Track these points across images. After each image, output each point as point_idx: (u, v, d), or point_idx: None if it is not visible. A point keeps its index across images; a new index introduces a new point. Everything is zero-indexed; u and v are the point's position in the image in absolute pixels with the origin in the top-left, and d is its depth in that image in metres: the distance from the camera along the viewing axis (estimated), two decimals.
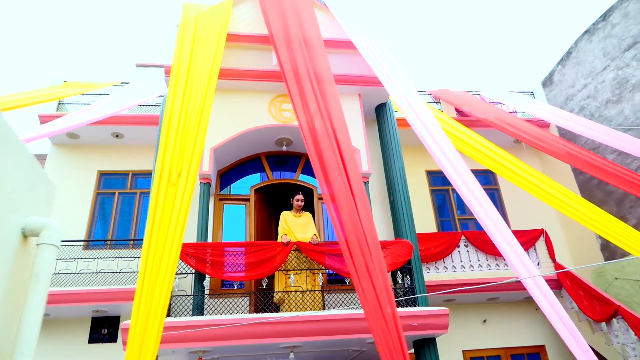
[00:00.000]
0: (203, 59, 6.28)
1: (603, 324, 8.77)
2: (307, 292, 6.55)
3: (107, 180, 10.18)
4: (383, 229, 7.66)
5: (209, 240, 7.03)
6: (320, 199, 7.82)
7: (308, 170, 8.11)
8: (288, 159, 8.18)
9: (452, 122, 9.26)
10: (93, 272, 8.72)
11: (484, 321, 9.98)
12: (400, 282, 6.79)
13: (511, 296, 9.85)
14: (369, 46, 7.24)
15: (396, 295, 6.94)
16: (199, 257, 6.23)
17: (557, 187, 7.85)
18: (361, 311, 6.32)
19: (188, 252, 6.27)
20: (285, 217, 7.12)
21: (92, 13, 36.44)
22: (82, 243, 9.35)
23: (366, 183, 7.51)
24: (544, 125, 11.47)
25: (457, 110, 11.63)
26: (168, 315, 6.45)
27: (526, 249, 9.95)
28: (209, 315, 6.36)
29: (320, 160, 4.82)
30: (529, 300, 10.10)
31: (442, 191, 11.30)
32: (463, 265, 9.66)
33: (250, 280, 6.89)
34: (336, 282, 7.44)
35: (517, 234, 10.20)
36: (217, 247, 6.35)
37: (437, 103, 11.81)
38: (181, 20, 7.67)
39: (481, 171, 11.48)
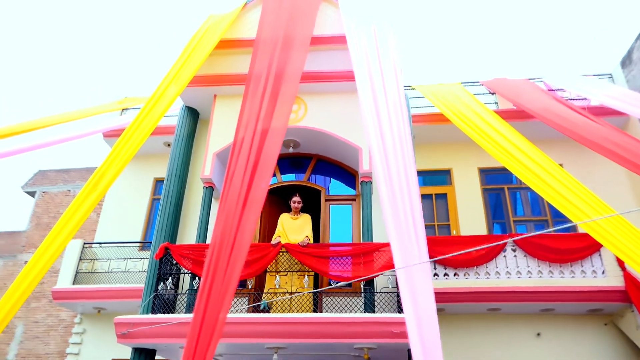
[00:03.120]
0: (189, 66, 6.60)
1: None
2: (295, 294, 6.49)
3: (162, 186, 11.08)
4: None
5: (208, 242, 7.31)
6: (327, 200, 7.70)
7: (319, 171, 8.03)
8: (300, 160, 8.18)
9: (491, 118, 8.39)
10: (139, 271, 9.54)
11: (538, 334, 8.89)
12: (390, 286, 6.40)
13: (570, 308, 8.66)
14: (367, 41, 6.95)
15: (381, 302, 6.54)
16: (190, 257, 6.52)
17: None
18: (348, 315, 6.12)
19: (182, 253, 6.61)
20: (282, 219, 7.15)
21: (156, 34, 39.95)
22: (137, 245, 10.29)
23: (369, 183, 7.21)
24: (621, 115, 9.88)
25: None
26: (172, 311, 6.86)
27: (589, 254, 8.68)
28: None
29: (235, 160, 4.79)
30: (596, 313, 8.80)
31: (497, 190, 10.35)
32: (509, 272, 8.72)
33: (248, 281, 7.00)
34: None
35: (579, 237, 8.93)
36: (205, 248, 6.58)
37: (492, 94, 10.88)
38: (197, 30, 8.12)
39: None
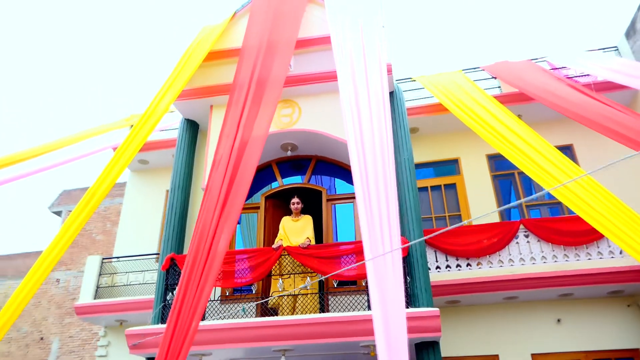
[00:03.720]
0: (180, 79, 6.73)
1: None
2: (299, 296, 6.54)
3: None
4: None
5: None
6: (329, 200, 7.72)
7: (319, 172, 8.06)
8: (299, 162, 8.22)
9: (491, 105, 8.24)
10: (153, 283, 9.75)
11: (558, 320, 8.68)
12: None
13: (590, 291, 8.43)
14: (351, 36, 6.94)
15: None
16: None
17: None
18: (352, 313, 6.14)
19: None
20: (283, 222, 7.21)
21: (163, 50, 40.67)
22: (154, 256, 10.52)
23: None
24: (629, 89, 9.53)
25: None
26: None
27: (602, 236, 8.43)
28: (210, 320, 6.73)
29: (213, 168, 4.84)
30: (617, 295, 8.56)
31: (507, 176, 10.15)
32: (523, 258, 8.56)
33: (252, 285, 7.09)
34: (344, 284, 7.23)
35: None
36: None
37: (495, 78, 10.69)
38: (191, 42, 8.24)
39: (557, 147, 10.06)
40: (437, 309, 5.92)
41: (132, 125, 11.57)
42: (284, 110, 7.71)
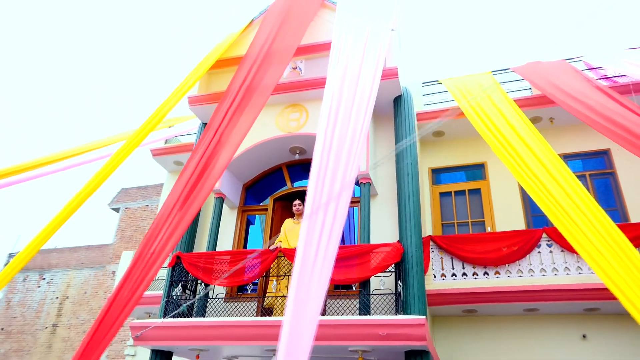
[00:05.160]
0: (189, 81, 7.05)
1: None
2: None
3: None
4: (392, 229, 7.16)
5: (219, 249, 7.70)
6: None
7: None
8: (309, 166, 8.27)
9: (510, 113, 7.89)
10: None
11: (584, 336, 8.15)
12: (381, 288, 6.30)
13: (618, 306, 7.70)
14: (355, 39, 6.93)
15: (374, 302, 6.43)
16: (199, 265, 6.93)
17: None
18: (340, 317, 6.16)
19: (191, 261, 7.05)
20: (285, 224, 7.33)
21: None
22: None
23: (367, 184, 7.14)
24: None
25: None
26: (185, 315, 7.33)
27: (635, 246, 7.80)
28: (210, 317, 7.00)
29: (181, 174, 5.01)
30: None
31: None
32: (544, 269, 8.12)
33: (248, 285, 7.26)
34: (342, 288, 7.24)
35: (623, 228, 8.01)
36: (209, 256, 6.96)
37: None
38: (211, 49, 8.59)
39: (592, 153, 9.49)
40: (424, 317, 5.80)
41: (170, 127, 12.25)
42: (292, 115, 7.84)
